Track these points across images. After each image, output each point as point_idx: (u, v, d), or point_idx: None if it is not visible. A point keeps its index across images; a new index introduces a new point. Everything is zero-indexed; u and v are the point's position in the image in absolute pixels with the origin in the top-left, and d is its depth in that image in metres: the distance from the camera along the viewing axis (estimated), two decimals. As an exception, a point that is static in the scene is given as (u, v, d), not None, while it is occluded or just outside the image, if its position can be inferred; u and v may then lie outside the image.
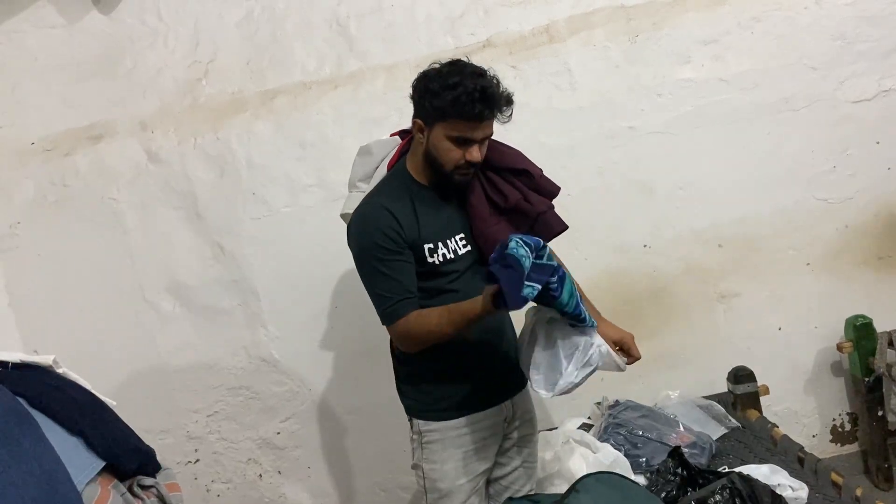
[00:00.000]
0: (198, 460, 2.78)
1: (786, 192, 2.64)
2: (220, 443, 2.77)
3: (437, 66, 1.69)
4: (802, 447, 2.15)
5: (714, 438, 2.20)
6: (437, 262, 1.75)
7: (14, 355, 1.63)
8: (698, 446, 2.10)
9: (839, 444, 2.81)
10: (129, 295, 2.68)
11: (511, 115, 1.72)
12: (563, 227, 1.87)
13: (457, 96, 1.61)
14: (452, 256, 1.77)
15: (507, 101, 1.69)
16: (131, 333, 2.69)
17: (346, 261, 2.58)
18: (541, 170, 1.89)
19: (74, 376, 1.74)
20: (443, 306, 1.71)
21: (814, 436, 2.79)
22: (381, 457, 2.72)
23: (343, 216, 1.98)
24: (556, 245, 1.94)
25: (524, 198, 1.82)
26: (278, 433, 2.76)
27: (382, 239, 1.69)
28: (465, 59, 1.70)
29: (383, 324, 1.75)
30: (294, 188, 2.63)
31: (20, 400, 1.51)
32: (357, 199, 1.89)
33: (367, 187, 1.92)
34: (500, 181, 1.82)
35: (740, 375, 2.46)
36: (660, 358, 2.67)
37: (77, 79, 2.61)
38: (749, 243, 2.66)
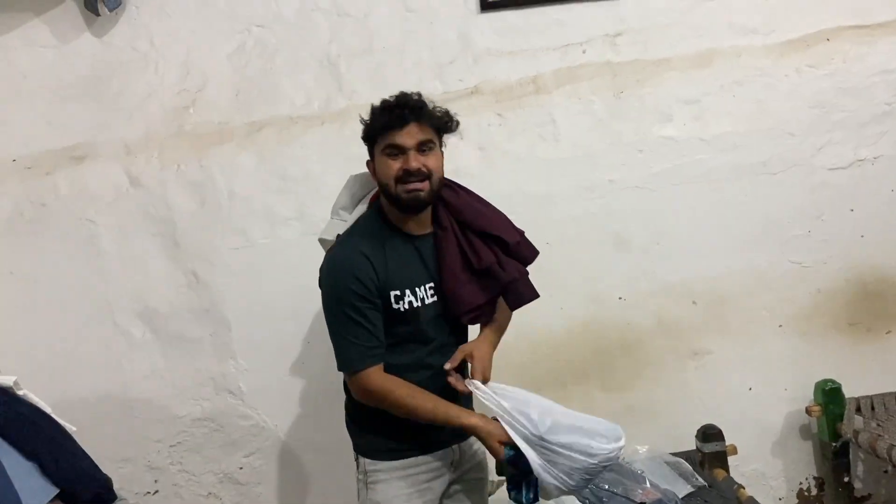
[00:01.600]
0: (157, 491, 2.72)
1: (760, 253, 2.67)
2: (181, 475, 2.71)
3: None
4: (767, 510, 2.15)
5: (680, 496, 2.18)
6: (401, 310, 1.75)
7: (-27, 374, 1.61)
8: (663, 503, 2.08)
9: (805, 509, 2.80)
10: (99, 318, 2.64)
11: (451, 123, 1.78)
12: (534, 296, 1.88)
13: (377, 111, 1.74)
14: (419, 305, 1.77)
15: (437, 109, 1.76)
16: (98, 357, 2.65)
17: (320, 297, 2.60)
18: (521, 234, 1.89)
19: (35, 399, 1.72)
20: (430, 394, 1.73)
21: (780, 499, 2.78)
22: (344, 497, 2.67)
23: (321, 241, 1.99)
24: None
25: (498, 262, 1.82)
26: (241, 468, 2.71)
27: (356, 285, 1.69)
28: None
29: (341, 370, 1.75)
30: (273, 221, 2.62)
31: (-26, 420, 1.49)
32: (336, 226, 1.92)
33: (349, 217, 1.93)
34: (478, 241, 1.82)
35: (709, 434, 2.45)
36: (629, 411, 2.67)
37: (64, 99, 2.61)
38: (722, 301, 2.69)
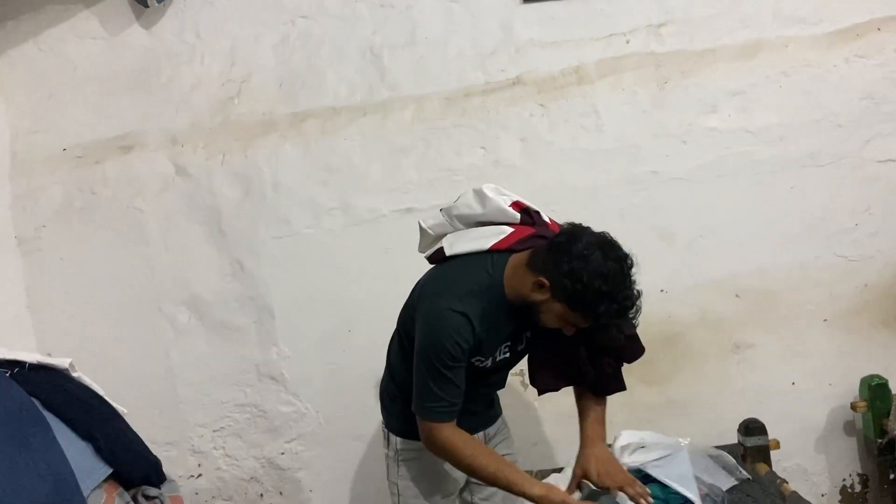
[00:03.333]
0: (200, 475, 2.77)
1: (806, 247, 2.63)
2: (223, 459, 2.77)
3: (592, 246, 1.59)
4: (811, 505, 2.12)
5: (724, 490, 2.16)
6: (477, 366, 1.76)
7: (31, 356, 1.65)
8: (710, 498, 2.06)
9: (848, 506, 2.77)
10: (146, 305, 2.70)
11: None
12: (620, 390, 1.92)
13: (599, 311, 1.57)
14: (489, 364, 1.78)
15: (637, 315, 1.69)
16: (145, 343, 2.71)
17: (363, 285, 2.64)
18: (631, 333, 1.85)
19: (88, 381, 1.75)
20: (495, 455, 1.77)
21: (823, 495, 2.74)
22: (383, 484, 2.69)
23: (421, 228, 1.94)
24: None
25: (590, 356, 1.83)
26: (282, 454, 2.76)
27: (457, 351, 1.66)
28: (613, 241, 1.67)
29: (416, 412, 1.75)
30: (317, 210, 2.65)
31: (34, 401, 1.53)
32: (444, 227, 1.88)
33: (460, 227, 1.87)
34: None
35: (751, 428, 2.43)
36: (670, 405, 2.66)
37: (113, 90, 2.67)
38: (767, 295, 2.65)
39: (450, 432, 1.72)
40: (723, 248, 2.63)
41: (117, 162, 2.68)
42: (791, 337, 2.67)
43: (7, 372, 1.53)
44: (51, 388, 1.60)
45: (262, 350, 2.71)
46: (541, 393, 1.89)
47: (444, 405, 1.70)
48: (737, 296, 2.65)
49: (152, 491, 1.74)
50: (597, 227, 2.58)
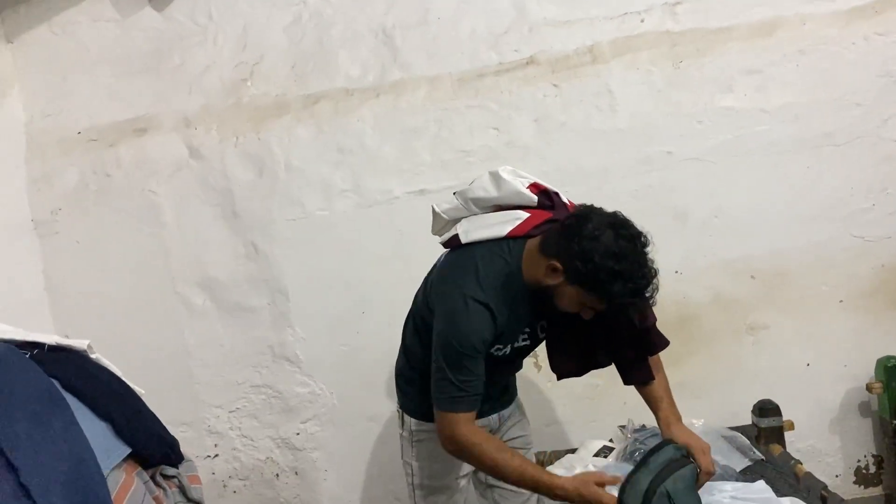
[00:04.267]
0: (217, 455, 2.81)
1: (822, 228, 2.61)
2: (239, 439, 2.80)
3: (603, 227, 1.56)
4: (826, 486, 2.12)
5: (738, 470, 2.17)
6: (496, 354, 1.74)
7: (50, 338, 1.66)
8: (723, 479, 2.07)
9: (863, 487, 2.76)
10: (161, 287, 2.73)
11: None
12: (649, 379, 1.88)
13: (614, 291, 1.54)
14: (507, 351, 1.76)
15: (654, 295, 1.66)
16: (160, 325, 2.74)
17: (376, 267, 2.64)
18: (649, 324, 1.84)
19: (106, 362, 1.77)
20: (517, 453, 1.73)
21: (837, 476, 2.74)
22: (397, 464, 2.70)
23: (435, 213, 1.91)
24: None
25: (605, 344, 1.82)
26: (297, 434, 2.78)
27: (481, 345, 1.66)
28: (628, 221, 1.63)
29: (436, 405, 1.72)
30: (329, 192, 2.66)
31: (54, 382, 1.54)
32: (459, 211, 1.85)
33: (476, 210, 1.84)
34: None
35: (765, 409, 2.42)
36: (684, 386, 2.64)
37: (126, 72, 2.68)
38: (781, 276, 2.64)
39: (470, 424, 1.69)
40: (738, 228, 2.61)
41: (131, 144, 2.69)
42: (806, 318, 2.65)
43: (27, 353, 1.54)
44: (70, 369, 1.62)
45: (276, 331, 2.73)
46: (560, 378, 1.87)
47: (465, 395, 1.68)
48: (752, 277, 2.64)
49: (170, 470, 1.76)
50: (610, 208, 2.58)
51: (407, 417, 1.96)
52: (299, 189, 2.66)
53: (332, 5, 2.60)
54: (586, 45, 2.59)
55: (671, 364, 2.65)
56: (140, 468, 1.68)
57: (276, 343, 2.73)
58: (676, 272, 2.63)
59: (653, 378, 1.86)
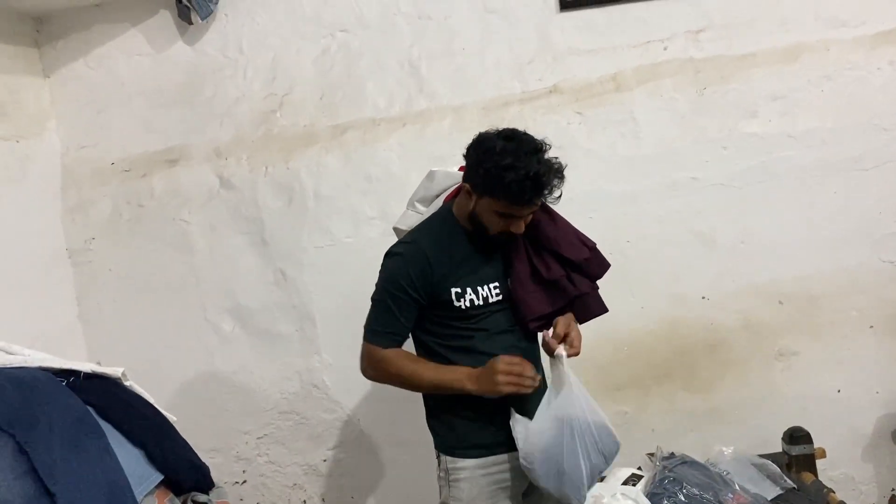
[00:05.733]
0: (245, 481, 2.82)
1: (851, 252, 2.59)
2: (267, 466, 2.81)
3: (493, 137, 1.71)
4: (860, 515, 2.09)
5: (769, 499, 2.14)
6: (463, 307, 1.79)
7: (86, 366, 1.70)
8: (753, 507, 2.04)
9: (898, 516, 2.71)
10: (191, 314, 2.77)
11: (560, 196, 1.75)
12: (602, 311, 1.90)
13: (508, 183, 1.64)
14: (481, 303, 1.81)
15: (559, 179, 1.70)
16: (191, 352, 2.78)
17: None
18: (591, 248, 1.89)
19: (139, 390, 1.79)
20: (431, 364, 1.83)
21: (871, 505, 2.70)
22: (425, 492, 2.71)
23: (395, 230, 2.08)
24: (612, 291, 1.97)
25: (567, 276, 1.85)
26: (325, 460, 2.80)
27: (406, 280, 1.77)
28: (522, 129, 1.74)
29: (364, 335, 1.85)
30: (357, 220, 2.69)
31: (89, 409, 1.57)
32: (410, 217, 2.03)
33: (424, 210, 2.02)
34: (548, 254, 1.84)
35: (796, 436, 2.39)
36: (713, 412, 2.63)
37: (159, 105, 2.74)
38: (810, 301, 2.62)
39: (394, 353, 1.81)
40: (765, 253, 2.60)
41: (164, 175, 2.75)
42: (836, 344, 2.63)
43: (63, 381, 1.57)
44: (105, 396, 1.64)
45: (304, 358, 2.75)
46: (533, 329, 1.87)
47: (381, 330, 1.81)
48: (780, 302, 2.62)
49: (201, 497, 1.77)
50: (636, 234, 2.61)
51: (442, 456, 1.93)
52: (328, 217, 2.70)
53: (359, 38, 2.65)
54: (610, 74, 2.61)
55: (700, 390, 2.65)
56: (172, 494, 1.69)
57: (304, 369, 2.76)
58: (704, 298, 2.62)
59: (606, 309, 1.92)
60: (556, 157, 1.70)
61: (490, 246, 1.84)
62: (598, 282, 1.93)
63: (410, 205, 2.07)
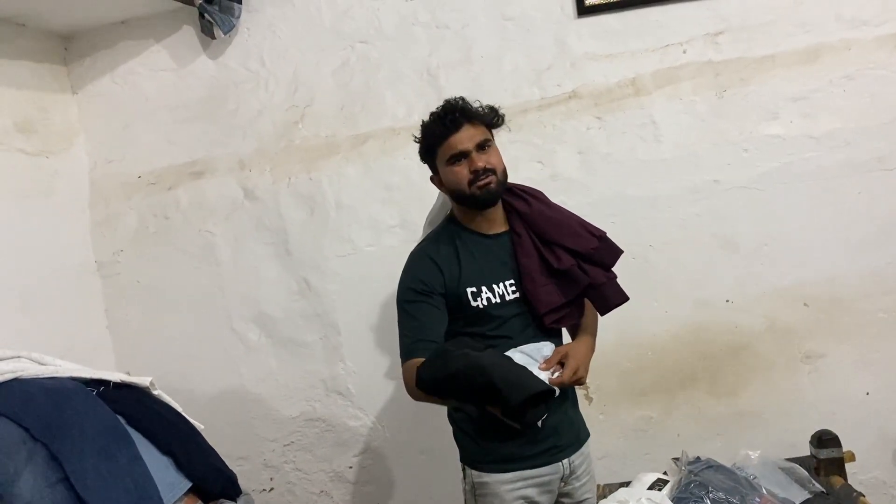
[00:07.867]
0: (272, 489, 2.85)
1: (877, 253, 2.56)
2: (294, 473, 2.84)
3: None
4: (891, 520, 2.06)
5: (796, 503, 2.12)
6: (481, 306, 1.80)
7: (115, 375, 1.73)
8: (780, 511, 2.02)
9: (931, 520, 2.66)
10: (217, 324, 2.81)
11: (498, 118, 1.85)
12: (623, 300, 1.89)
13: (430, 124, 1.82)
14: (498, 301, 1.81)
15: (482, 107, 1.82)
16: (218, 361, 2.82)
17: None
18: (600, 236, 1.89)
19: (167, 398, 1.83)
20: None
21: (903, 509, 2.65)
22: (451, 499, 2.72)
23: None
24: (635, 295, 1.97)
25: (578, 265, 1.84)
26: (350, 467, 2.81)
27: (415, 283, 1.80)
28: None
29: (401, 360, 1.84)
30: (378, 228, 2.72)
31: (119, 418, 1.60)
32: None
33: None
34: (556, 247, 1.84)
35: (824, 439, 2.36)
36: (739, 416, 2.61)
37: (183, 119, 2.80)
38: (836, 304, 2.59)
39: (413, 363, 1.74)
40: (789, 255, 2.58)
41: (189, 187, 2.80)
42: (864, 346, 2.59)
43: (94, 391, 1.61)
44: (134, 405, 1.68)
45: (328, 366, 2.78)
46: (550, 325, 1.86)
47: (410, 341, 1.78)
48: (805, 304, 2.60)
49: (229, 504, 1.80)
50: (658, 238, 2.59)
51: (467, 469, 1.93)
52: (349, 226, 2.73)
53: (377, 49, 2.68)
54: (628, 78, 2.61)
55: (726, 394, 2.63)
56: (200, 501, 1.72)
57: (329, 377, 2.78)
58: (728, 301, 2.61)
59: (626, 297, 1.91)
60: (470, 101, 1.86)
61: (496, 242, 1.86)
62: (620, 283, 1.92)
63: (428, 224, 2.10)
